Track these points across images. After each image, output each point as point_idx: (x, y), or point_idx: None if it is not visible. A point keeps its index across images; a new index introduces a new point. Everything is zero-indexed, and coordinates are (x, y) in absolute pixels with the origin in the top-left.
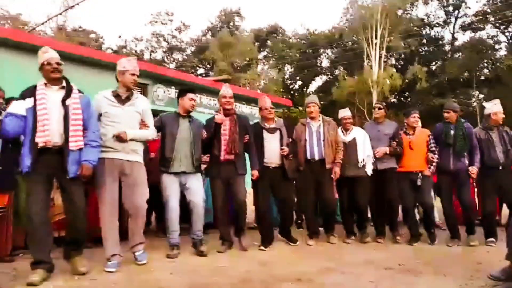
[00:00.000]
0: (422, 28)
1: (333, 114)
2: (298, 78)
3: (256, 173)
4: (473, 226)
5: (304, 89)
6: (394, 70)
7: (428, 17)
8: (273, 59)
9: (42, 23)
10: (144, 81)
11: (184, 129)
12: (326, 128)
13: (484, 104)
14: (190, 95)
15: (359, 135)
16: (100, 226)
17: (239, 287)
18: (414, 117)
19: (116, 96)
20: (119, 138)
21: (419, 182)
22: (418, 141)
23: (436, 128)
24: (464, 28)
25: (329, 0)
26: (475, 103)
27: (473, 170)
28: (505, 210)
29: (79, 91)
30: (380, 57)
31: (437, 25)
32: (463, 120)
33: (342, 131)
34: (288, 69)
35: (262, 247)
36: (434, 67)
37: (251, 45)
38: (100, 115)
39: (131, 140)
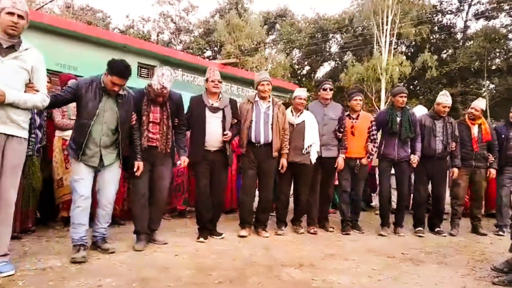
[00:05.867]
0: (434, 15)
1: (341, 101)
2: (306, 63)
3: (185, 159)
4: (403, 219)
5: (312, 75)
6: (404, 57)
7: (441, 3)
8: (281, 43)
9: (50, 1)
10: (151, 62)
11: (107, 109)
12: (275, 111)
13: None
14: (116, 79)
15: (309, 120)
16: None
17: (243, 270)
18: (356, 99)
19: None
20: None
21: (356, 171)
22: (360, 126)
23: (381, 115)
24: (477, 16)
25: None
26: (485, 93)
27: (414, 159)
28: None
29: None
30: (390, 43)
31: (449, 12)
32: (408, 107)
33: (292, 112)
34: (296, 53)
35: (201, 239)
36: (444, 56)
37: (259, 28)
38: None
39: (11, 105)
